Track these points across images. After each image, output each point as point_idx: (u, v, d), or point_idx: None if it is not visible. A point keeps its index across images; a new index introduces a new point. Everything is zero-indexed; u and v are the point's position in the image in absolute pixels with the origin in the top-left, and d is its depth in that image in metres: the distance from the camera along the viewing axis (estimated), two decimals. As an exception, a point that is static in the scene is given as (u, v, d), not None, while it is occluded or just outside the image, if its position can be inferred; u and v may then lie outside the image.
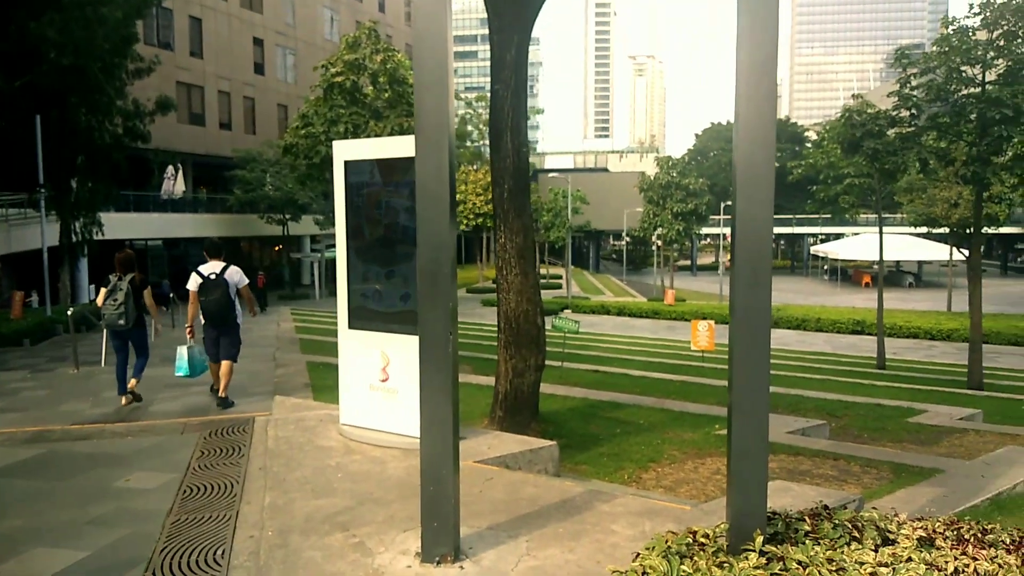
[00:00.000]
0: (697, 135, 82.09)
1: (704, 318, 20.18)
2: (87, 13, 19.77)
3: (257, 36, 41.86)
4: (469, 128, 52.50)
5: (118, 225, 28.50)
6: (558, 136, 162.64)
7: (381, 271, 5.77)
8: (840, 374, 16.79)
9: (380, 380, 5.71)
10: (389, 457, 5.41)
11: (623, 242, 71.29)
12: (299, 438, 6.09)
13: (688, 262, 71.43)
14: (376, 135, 27.30)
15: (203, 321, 7.63)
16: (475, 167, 49.85)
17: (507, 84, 7.15)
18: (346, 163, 5.81)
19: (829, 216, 48.58)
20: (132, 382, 7.90)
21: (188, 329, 7.77)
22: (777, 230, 59.23)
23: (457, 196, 27.85)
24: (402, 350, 5.49)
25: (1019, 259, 71.93)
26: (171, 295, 21.32)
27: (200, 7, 37.35)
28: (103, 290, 7.71)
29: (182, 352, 7.72)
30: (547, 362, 8.19)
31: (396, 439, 5.62)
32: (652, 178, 47.21)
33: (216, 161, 38.53)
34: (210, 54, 38.29)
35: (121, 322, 7.57)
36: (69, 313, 12.56)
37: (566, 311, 34.68)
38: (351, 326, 5.89)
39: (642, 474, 6.67)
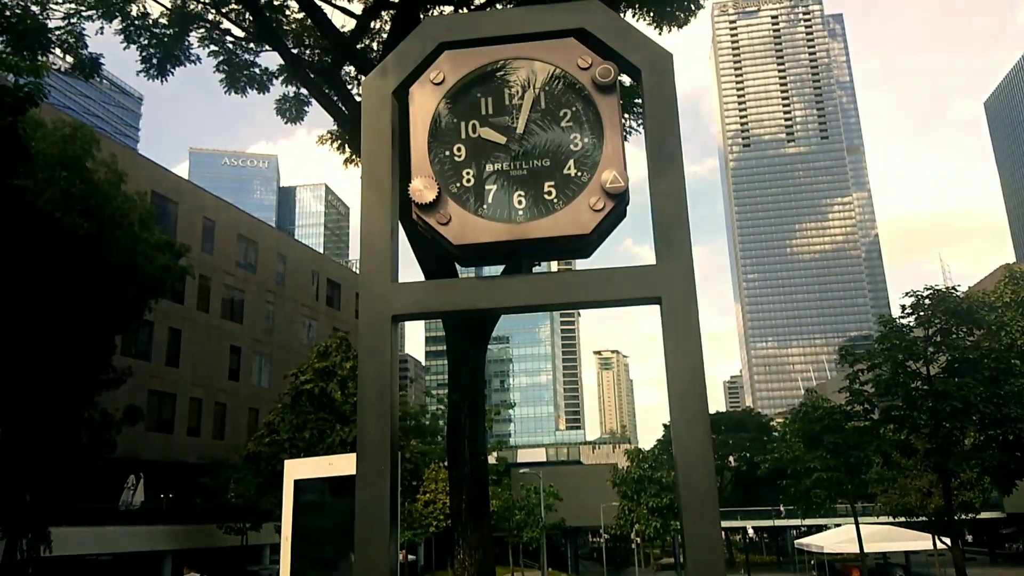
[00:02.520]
0: (665, 425, 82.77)
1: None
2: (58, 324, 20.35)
3: (235, 344, 43.18)
4: (441, 423, 52.52)
5: (70, 540, 26.79)
6: (530, 429, 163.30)
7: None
8: None
9: None
10: None
11: (602, 539, 68.33)
12: None
13: (672, 560, 67.98)
14: (342, 440, 27.23)
15: None
16: (446, 464, 49.07)
17: (464, 395, 7.29)
18: (296, 482, 5.66)
19: (804, 509, 47.57)
20: None
21: None
22: (756, 523, 57.44)
23: (427, 495, 26.87)
24: None
25: (1007, 544, 69.54)
26: None
27: (181, 319, 38.89)
28: None
29: None
30: None
31: None
32: (624, 471, 46.66)
33: (180, 468, 37.58)
34: (186, 363, 39.12)
35: None
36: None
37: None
38: (290, 665, 5.31)
39: None
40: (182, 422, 38.83)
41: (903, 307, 16.32)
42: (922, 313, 15.99)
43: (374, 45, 12.22)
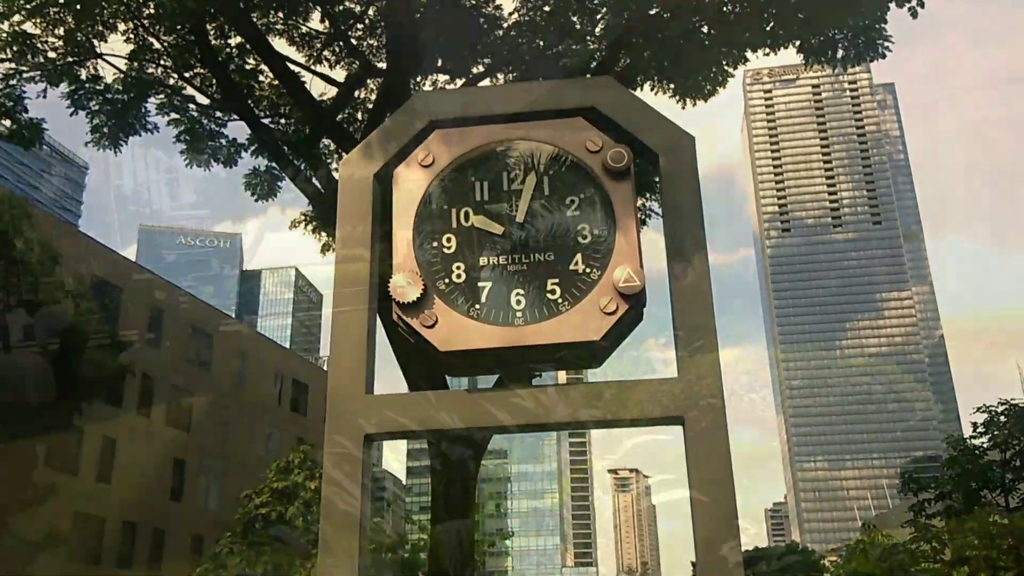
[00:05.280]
0: (694, 563, 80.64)
1: None
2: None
3: (179, 457, 42.44)
4: (423, 556, 51.16)
5: None
6: (532, 564, 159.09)
7: None
8: None
9: None
10: None
11: None
12: None
13: None
14: (302, 580, 26.55)
15: None
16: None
17: (450, 526, 7.15)
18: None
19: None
20: None
21: None
22: None
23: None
24: None
25: None
26: None
27: (118, 426, 38.38)
28: None
29: None
30: None
31: None
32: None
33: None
34: (121, 479, 38.36)
35: None
36: None
37: None
38: None
39: None
40: (111, 551, 37.84)
41: (974, 425, 16.18)
42: (997, 432, 15.82)
43: (359, 115, 12.52)
